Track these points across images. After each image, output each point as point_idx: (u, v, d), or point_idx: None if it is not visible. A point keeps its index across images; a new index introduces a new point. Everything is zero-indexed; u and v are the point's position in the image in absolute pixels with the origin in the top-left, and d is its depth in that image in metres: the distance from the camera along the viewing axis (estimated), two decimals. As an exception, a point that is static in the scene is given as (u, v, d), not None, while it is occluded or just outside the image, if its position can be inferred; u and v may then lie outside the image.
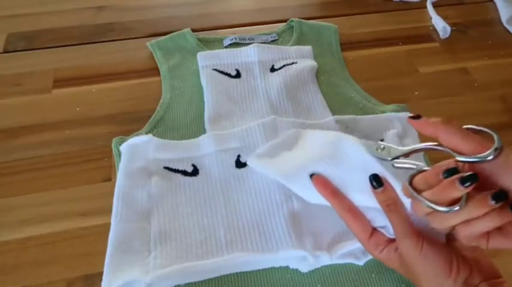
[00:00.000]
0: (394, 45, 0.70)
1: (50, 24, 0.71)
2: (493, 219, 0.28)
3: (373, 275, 0.43)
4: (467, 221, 0.29)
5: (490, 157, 0.28)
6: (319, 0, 0.79)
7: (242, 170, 0.49)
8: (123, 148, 0.50)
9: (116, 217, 0.45)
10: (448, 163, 0.31)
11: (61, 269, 0.44)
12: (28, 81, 0.62)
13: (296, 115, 0.56)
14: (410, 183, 0.32)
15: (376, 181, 0.36)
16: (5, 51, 0.67)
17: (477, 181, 0.28)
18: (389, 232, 0.37)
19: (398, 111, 0.57)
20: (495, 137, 0.29)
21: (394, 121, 0.54)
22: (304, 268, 0.43)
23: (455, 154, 0.30)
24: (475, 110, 0.61)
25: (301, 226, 0.45)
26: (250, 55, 0.63)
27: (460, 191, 0.28)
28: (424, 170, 0.33)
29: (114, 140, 0.52)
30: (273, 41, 0.68)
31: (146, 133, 0.53)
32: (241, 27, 0.72)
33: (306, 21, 0.71)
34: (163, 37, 0.67)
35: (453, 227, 0.30)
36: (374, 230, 0.37)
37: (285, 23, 0.71)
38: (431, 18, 0.75)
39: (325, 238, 0.44)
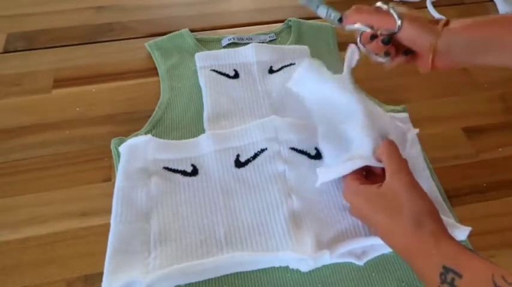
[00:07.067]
0: (394, 45, 0.70)
1: (50, 24, 0.71)
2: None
3: (373, 274, 0.44)
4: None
5: (396, 30, 0.43)
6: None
7: (241, 169, 0.49)
8: (122, 148, 0.50)
9: (116, 218, 0.45)
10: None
11: (61, 269, 0.44)
12: (28, 81, 0.62)
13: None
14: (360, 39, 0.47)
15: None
16: (5, 51, 0.67)
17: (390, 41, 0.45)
18: None
19: (398, 111, 0.57)
20: (395, 16, 0.42)
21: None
22: (304, 268, 0.43)
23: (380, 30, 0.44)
24: (475, 110, 0.60)
25: (301, 225, 0.45)
26: (248, 55, 0.62)
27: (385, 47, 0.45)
28: (366, 31, 0.46)
29: (113, 141, 0.52)
30: (271, 41, 0.68)
31: (145, 133, 0.53)
32: (240, 27, 0.72)
33: (304, 20, 0.71)
34: (161, 37, 0.67)
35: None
36: (363, 173, 0.44)
37: (283, 23, 0.71)
38: (433, 18, 0.75)
39: (325, 237, 0.44)
